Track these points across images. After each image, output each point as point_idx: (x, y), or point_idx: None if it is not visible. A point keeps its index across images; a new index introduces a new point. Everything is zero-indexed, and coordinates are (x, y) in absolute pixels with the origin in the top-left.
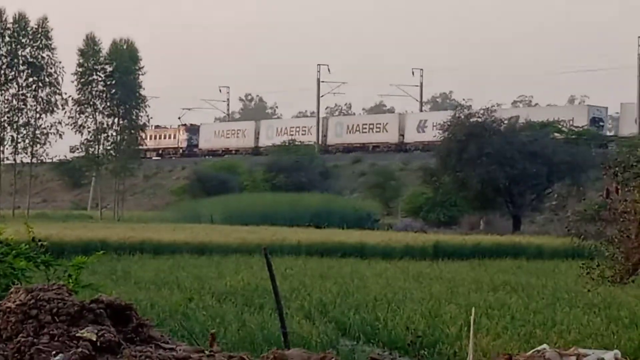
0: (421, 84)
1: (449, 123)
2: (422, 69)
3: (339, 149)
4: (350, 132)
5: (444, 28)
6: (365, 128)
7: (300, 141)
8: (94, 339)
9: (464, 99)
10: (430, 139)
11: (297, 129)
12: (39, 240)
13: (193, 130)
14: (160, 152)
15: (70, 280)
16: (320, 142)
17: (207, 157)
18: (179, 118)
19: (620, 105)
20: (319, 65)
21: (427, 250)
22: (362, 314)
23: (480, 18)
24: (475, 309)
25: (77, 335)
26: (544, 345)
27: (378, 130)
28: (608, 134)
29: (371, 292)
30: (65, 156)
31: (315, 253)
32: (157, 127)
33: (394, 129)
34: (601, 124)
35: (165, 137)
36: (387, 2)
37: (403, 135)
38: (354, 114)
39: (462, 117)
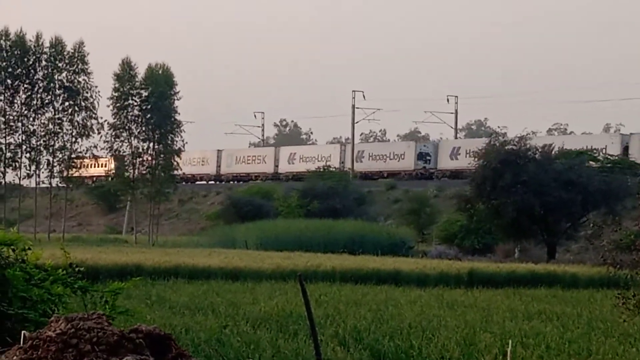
0: (456, 111)
1: (483, 150)
2: (457, 96)
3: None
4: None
5: (479, 55)
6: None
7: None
8: None
9: (498, 127)
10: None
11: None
12: (76, 266)
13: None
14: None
15: (107, 306)
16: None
17: (233, 182)
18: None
19: None
20: (354, 91)
21: (461, 278)
22: (396, 341)
23: (516, 46)
24: (510, 338)
25: None
26: None
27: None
28: None
29: (405, 320)
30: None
31: (350, 280)
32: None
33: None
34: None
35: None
36: (422, 30)
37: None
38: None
39: (497, 144)
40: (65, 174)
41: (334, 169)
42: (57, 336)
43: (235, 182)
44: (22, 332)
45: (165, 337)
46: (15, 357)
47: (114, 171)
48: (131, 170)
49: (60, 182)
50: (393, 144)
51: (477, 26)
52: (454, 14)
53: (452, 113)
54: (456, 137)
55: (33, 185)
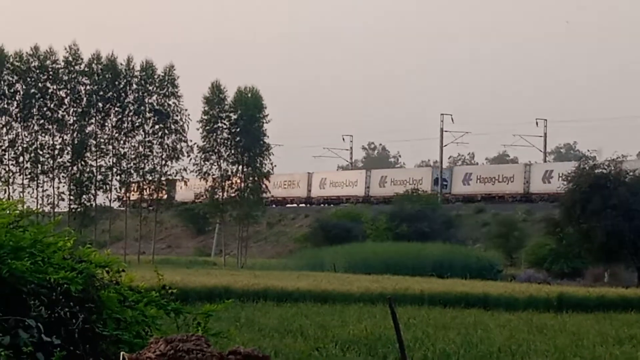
0: (545, 134)
1: (573, 174)
2: (545, 119)
3: (460, 199)
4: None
5: (568, 78)
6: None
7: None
8: None
9: (588, 150)
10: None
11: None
12: (169, 288)
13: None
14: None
15: (200, 328)
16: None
17: (323, 205)
18: None
19: None
20: (442, 114)
21: (550, 302)
22: None
23: (605, 70)
24: None
25: None
26: None
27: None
28: None
29: (495, 344)
30: (191, 202)
31: (438, 303)
32: None
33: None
34: None
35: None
36: (510, 54)
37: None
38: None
39: (587, 168)
40: (155, 196)
41: (422, 192)
42: (156, 357)
43: (325, 205)
44: (121, 353)
45: (263, 358)
46: None
47: (203, 194)
48: (220, 193)
49: (150, 205)
50: (410, 170)
51: (565, 49)
52: (540, 39)
53: (540, 136)
54: (545, 161)
55: (123, 207)
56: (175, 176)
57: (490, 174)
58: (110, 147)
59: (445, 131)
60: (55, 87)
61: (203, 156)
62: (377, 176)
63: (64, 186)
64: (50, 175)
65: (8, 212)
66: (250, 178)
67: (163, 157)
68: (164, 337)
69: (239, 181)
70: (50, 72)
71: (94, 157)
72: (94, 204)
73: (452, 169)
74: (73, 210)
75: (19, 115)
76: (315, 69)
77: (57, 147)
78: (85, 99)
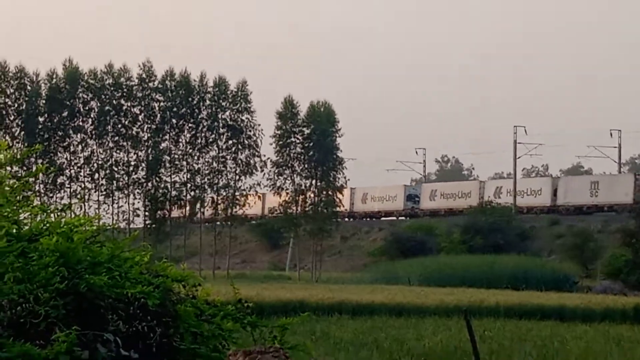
0: (619, 144)
1: None
2: (620, 130)
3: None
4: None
5: None
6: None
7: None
8: None
9: None
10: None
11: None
12: (245, 301)
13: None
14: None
15: (276, 341)
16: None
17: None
18: None
19: None
20: (516, 126)
21: (627, 313)
22: None
23: None
24: None
25: None
26: None
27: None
28: None
29: (572, 356)
30: (265, 217)
31: (514, 315)
32: None
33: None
34: None
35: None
36: (583, 65)
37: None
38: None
39: None
40: (229, 211)
41: (495, 205)
42: None
43: (368, 219)
44: None
45: None
46: None
47: (277, 208)
48: (294, 208)
49: (224, 220)
50: (388, 188)
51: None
52: (613, 47)
53: (615, 147)
54: (619, 172)
55: (198, 222)
56: (249, 191)
57: (451, 190)
58: (184, 162)
59: (519, 143)
60: (129, 104)
61: (277, 171)
62: (359, 193)
63: (138, 202)
64: (125, 192)
65: (85, 228)
66: (324, 192)
67: (237, 172)
68: (242, 349)
69: (312, 195)
70: (125, 90)
71: (168, 173)
72: (168, 220)
73: (420, 186)
74: (148, 225)
75: (94, 132)
76: (388, 82)
77: (132, 163)
78: (159, 115)
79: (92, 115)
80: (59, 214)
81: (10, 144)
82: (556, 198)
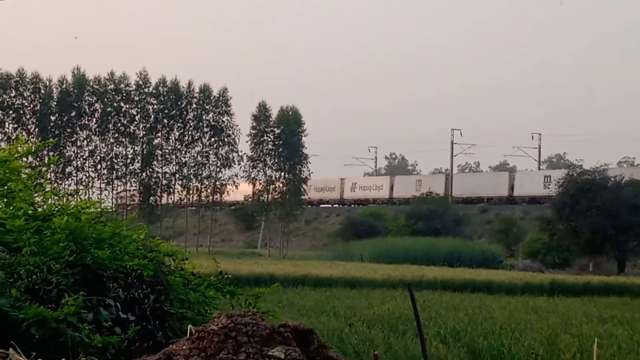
0: (539, 146)
1: (563, 180)
2: (540, 133)
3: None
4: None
5: (561, 95)
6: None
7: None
8: (283, 357)
9: (576, 159)
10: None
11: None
12: (225, 274)
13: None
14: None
15: (250, 307)
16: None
17: (353, 205)
18: None
19: None
20: (453, 129)
21: (544, 288)
22: (489, 340)
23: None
24: (586, 339)
25: (268, 354)
26: None
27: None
28: None
29: (497, 322)
30: (241, 203)
31: (449, 288)
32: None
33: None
34: None
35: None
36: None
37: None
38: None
39: (575, 175)
40: (210, 198)
41: (436, 195)
42: (219, 329)
43: (355, 205)
44: (189, 326)
45: (308, 331)
46: (184, 347)
47: (251, 196)
48: (266, 195)
49: (206, 205)
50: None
51: (559, 72)
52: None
53: (535, 148)
54: (539, 169)
55: (184, 207)
56: (228, 181)
57: (368, 183)
58: (174, 156)
59: (455, 143)
60: (127, 106)
61: (251, 164)
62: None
63: (134, 189)
64: (123, 180)
65: (91, 210)
66: (291, 183)
67: (218, 165)
68: (224, 312)
69: (281, 185)
70: (124, 94)
71: (160, 165)
72: (159, 205)
73: (344, 180)
74: (142, 209)
75: (97, 130)
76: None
77: (129, 156)
78: (152, 116)
79: (96, 115)
80: (68, 198)
81: (27, 139)
82: (392, 192)
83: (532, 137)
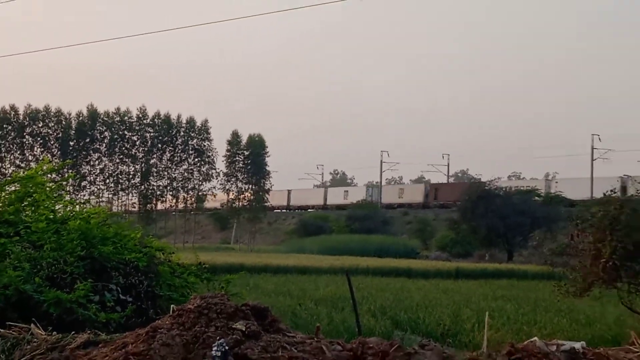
0: (448, 164)
1: (467, 189)
2: (449, 154)
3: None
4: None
5: (464, 122)
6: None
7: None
8: (244, 329)
9: (476, 174)
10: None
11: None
12: (203, 264)
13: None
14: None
15: (223, 290)
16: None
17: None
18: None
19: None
20: (382, 151)
21: (451, 273)
22: (409, 314)
23: (486, 114)
24: (484, 312)
25: (232, 326)
26: (535, 338)
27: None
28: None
29: (414, 300)
30: (218, 208)
31: (378, 274)
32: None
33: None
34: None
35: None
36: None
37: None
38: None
39: (475, 186)
40: (194, 205)
41: (368, 201)
42: (194, 308)
43: (299, 210)
44: (171, 306)
45: (264, 309)
46: (167, 322)
47: (226, 203)
48: (237, 203)
49: (191, 210)
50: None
51: (462, 104)
52: (449, 96)
53: (445, 165)
54: (447, 182)
55: (174, 212)
56: (207, 192)
57: (308, 194)
58: (165, 173)
59: (384, 162)
60: (130, 134)
61: (226, 179)
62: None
63: (135, 198)
64: (126, 192)
65: (99, 215)
66: (257, 193)
67: (200, 179)
68: (199, 295)
69: (249, 195)
70: (127, 124)
71: (155, 180)
72: (154, 210)
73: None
74: (141, 214)
75: (106, 152)
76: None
77: (131, 173)
78: (149, 141)
79: (105, 141)
80: (82, 205)
81: (50, 160)
82: (290, 200)
83: (443, 157)
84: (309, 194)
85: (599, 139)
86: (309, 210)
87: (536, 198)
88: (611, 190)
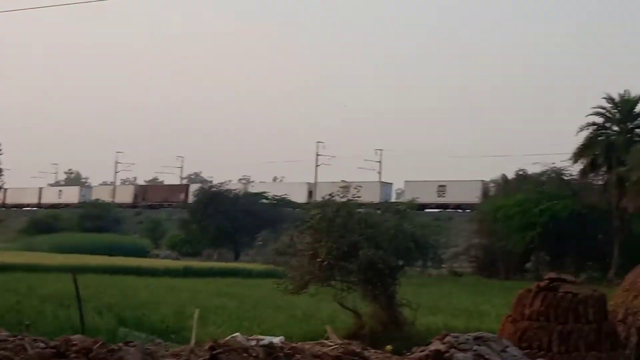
0: (182, 166)
1: (197, 191)
2: (182, 157)
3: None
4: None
5: (198, 124)
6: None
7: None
8: None
9: (208, 176)
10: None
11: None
12: None
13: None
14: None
15: None
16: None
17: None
18: None
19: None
20: (117, 152)
21: (179, 271)
22: (134, 311)
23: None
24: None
25: None
26: (237, 334)
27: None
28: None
29: (141, 298)
30: None
31: (108, 272)
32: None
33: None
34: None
35: None
36: (170, 108)
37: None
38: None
39: (206, 187)
40: None
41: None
42: None
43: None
44: None
45: None
46: None
47: None
48: None
49: None
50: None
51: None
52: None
53: (179, 167)
54: (181, 183)
55: None
56: None
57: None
58: None
59: (119, 163)
60: None
61: None
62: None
63: None
64: None
65: None
66: None
67: None
68: None
69: None
70: None
71: None
72: None
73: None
74: None
75: None
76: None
77: None
78: None
79: None
80: None
81: None
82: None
83: (177, 158)
84: (24, 193)
85: (324, 147)
86: (24, 208)
87: (264, 200)
88: (330, 195)
